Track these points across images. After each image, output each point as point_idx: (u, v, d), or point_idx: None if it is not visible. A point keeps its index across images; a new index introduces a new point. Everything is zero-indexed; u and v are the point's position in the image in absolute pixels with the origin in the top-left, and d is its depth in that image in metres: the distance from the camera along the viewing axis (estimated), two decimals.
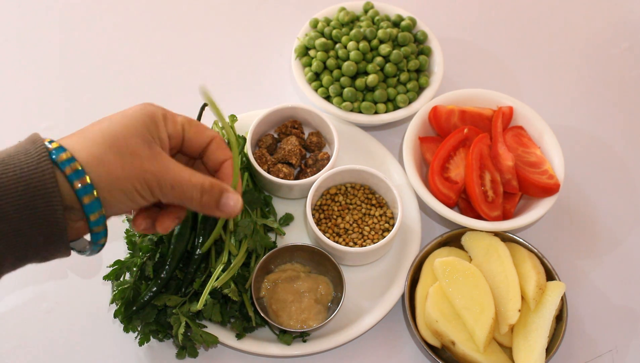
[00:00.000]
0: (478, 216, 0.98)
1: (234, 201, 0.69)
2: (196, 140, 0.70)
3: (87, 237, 0.64)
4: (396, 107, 1.09)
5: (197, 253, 0.92)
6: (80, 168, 0.59)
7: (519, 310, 0.90)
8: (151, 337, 0.92)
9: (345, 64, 1.07)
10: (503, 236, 0.98)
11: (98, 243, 0.64)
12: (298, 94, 1.18)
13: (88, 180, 0.59)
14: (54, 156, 0.59)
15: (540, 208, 0.98)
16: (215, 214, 0.69)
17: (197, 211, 0.71)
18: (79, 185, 0.59)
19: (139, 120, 0.65)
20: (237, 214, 0.70)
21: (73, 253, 0.64)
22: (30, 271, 0.98)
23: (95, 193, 0.60)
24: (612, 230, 1.08)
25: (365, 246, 0.98)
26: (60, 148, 0.60)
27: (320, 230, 0.99)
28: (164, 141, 0.67)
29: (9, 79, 1.18)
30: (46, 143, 0.60)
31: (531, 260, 0.95)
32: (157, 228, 0.70)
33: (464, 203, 1.03)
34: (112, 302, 0.91)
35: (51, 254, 0.61)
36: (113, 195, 0.62)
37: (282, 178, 1.01)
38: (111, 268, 0.92)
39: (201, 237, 0.93)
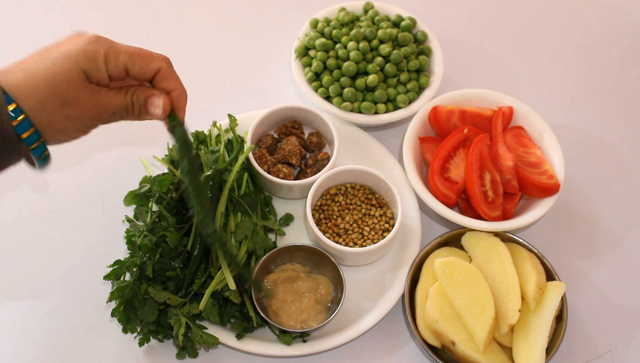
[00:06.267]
0: (478, 216, 0.98)
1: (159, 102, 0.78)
2: (140, 75, 0.77)
3: None
4: (396, 108, 1.09)
5: (195, 253, 0.92)
6: (24, 119, 0.69)
7: (519, 310, 0.90)
8: (151, 338, 0.92)
9: (345, 64, 1.07)
10: (503, 236, 0.98)
11: (41, 157, 0.73)
12: (298, 94, 1.18)
13: (31, 131, 0.70)
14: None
15: (540, 208, 0.98)
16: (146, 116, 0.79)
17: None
18: (26, 135, 0.70)
19: (80, 64, 0.71)
20: (162, 115, 0.79)
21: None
22: (30, 271, 0.99)
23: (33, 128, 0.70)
24: (612, 230, 1.08)
25: (365, 246, 0.98)
26: (8, 98, 0.68)
27: (320, 230, 0.99)
28: (104, 81, 0.74)
29: None
30: None
31: (531, 260, 0.95)
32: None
33: (464, 203, 1.03)
34: (109, 300, 0.90)
35: (5, 161, 0.70)
36: (53, 135, 0.73)
37: (282, 178, 1.01)
38: (111, 268, 0.92)
39: (199, 238, 0.93)
